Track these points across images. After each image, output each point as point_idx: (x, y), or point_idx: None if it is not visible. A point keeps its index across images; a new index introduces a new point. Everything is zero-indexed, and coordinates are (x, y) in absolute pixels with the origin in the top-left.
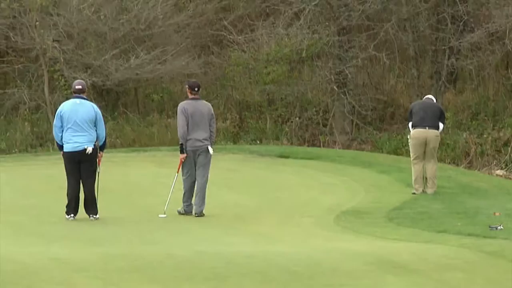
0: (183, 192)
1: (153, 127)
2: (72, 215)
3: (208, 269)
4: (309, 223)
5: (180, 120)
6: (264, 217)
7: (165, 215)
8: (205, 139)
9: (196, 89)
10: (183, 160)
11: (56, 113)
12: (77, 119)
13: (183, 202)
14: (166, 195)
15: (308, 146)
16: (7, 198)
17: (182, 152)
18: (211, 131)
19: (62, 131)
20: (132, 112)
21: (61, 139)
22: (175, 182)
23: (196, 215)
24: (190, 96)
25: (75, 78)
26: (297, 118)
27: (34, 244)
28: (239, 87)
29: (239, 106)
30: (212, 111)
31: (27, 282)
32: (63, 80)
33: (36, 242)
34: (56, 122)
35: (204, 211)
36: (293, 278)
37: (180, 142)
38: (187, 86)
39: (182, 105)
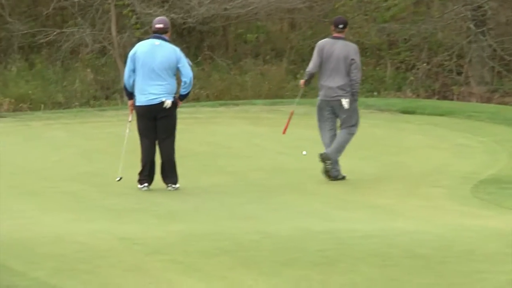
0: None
1: (247, 75)
2: (146, 184)
3: (314, 251)
4: (439, 194)
5: (314, 58)
6: (384, 187)
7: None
8: (339, 88)
9: (340, 26)
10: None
11: (129, 54)
12: (154, 65)
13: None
14: (262, 159)
15: (438, 99)
16: (66, 163)
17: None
18: (351, 79)
19: (135, 76)
20: (220, 56)
21: (132, 85)
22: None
23: (326, 160)
24: (332, 33)
25: (149, 15)
26: (425, 64)
27: (98, 221)
28: (352, 25)
29: None
30: (353, 55)
31: (90, 267)
32: (134, 17)
33: (101, 217)
34: (128, 64)
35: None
36: (419, 263)
37: (305, 77)
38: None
39: (320, 42)
